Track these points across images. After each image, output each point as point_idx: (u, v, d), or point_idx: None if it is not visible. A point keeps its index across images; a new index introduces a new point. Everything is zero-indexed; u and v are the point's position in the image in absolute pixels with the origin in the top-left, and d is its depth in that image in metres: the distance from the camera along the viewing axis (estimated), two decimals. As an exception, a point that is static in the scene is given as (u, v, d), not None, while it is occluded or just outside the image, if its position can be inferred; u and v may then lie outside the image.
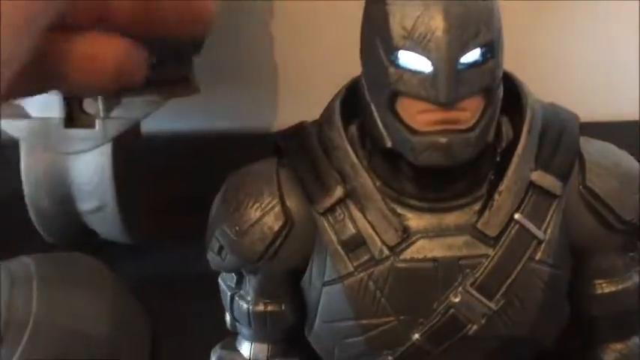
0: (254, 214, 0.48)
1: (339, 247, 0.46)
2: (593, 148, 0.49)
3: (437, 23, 0.42)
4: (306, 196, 0.47)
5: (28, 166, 0.68)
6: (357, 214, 0.46)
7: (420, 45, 0.42)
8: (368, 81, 0.46)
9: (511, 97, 0.48)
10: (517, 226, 0.46)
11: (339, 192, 0.46)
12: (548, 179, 0.47)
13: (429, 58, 0.42)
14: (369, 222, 0.46)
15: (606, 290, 0.50)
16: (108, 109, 0.66)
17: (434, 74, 0.42)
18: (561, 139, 0.48)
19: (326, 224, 0.47)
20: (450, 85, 0.42)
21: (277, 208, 0.47)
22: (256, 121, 0.86)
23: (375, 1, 0.45)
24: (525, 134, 0.47)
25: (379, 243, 0.46)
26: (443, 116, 0.43)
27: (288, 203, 0.48)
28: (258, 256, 0.48)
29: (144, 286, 0.68)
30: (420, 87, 0.43)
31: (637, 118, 0.83)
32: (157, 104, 0.68)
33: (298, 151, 0.48)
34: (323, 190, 0.47)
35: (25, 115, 0.66)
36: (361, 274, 0.46)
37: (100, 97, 0.66)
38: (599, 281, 0.50)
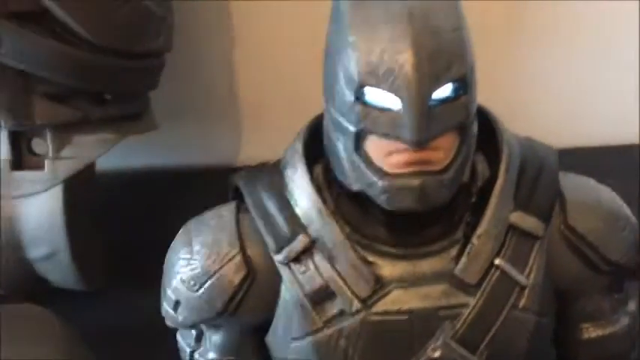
0: (212, 266, 0.45)
1: (305, 301, 0.44)
2: (572, 184, 0.47)
3: (405, 57, 0.40)
4: (267, 245, 0.44)
5: (-28, 212, 0.65)
6: (325, 264, 0.44)
7: (387, 81, 0.40)
8: (332, 119, 0.44)
9: (486, 132, 0.45)
10: (498, 272, 0.44)
11: (303, 240, 0.44)
12: (528, 220, 0.44)
13: (397, 95, 0.40)
14: (337, 272, 0.44)
15: (593, 335, 0.48)
16: (58, 148, 0.64)
17: (403, 112, 0.40)
18: (540, 176, 0.46)
19: (291, 275, 0.44)
20: (421, 123, 0.40)
21: (237, 259, 0.45)
22: (218, 157, 0.84)
23: (337, 33, 0.42)
24: (503, 173, 0.45)
25: (350, 295, 0.43)
26: (414, 157, 0.41)
27: (250, 252, 0.45)
28: (218, 312, 0.45)
29: (100, 337, 0.64)
30: (388, 126, 0.41)
31: (637, 142, 0.81)
32: (112, 142, 0.66)
33: (258, 196, 0.45)
34: (286, 239, 0.44)
35: (-33, 158, 0.64)
36: (331, 330, 0.44)
37: (49, 137, 0.63)
38: (586, 325, 0.48)
